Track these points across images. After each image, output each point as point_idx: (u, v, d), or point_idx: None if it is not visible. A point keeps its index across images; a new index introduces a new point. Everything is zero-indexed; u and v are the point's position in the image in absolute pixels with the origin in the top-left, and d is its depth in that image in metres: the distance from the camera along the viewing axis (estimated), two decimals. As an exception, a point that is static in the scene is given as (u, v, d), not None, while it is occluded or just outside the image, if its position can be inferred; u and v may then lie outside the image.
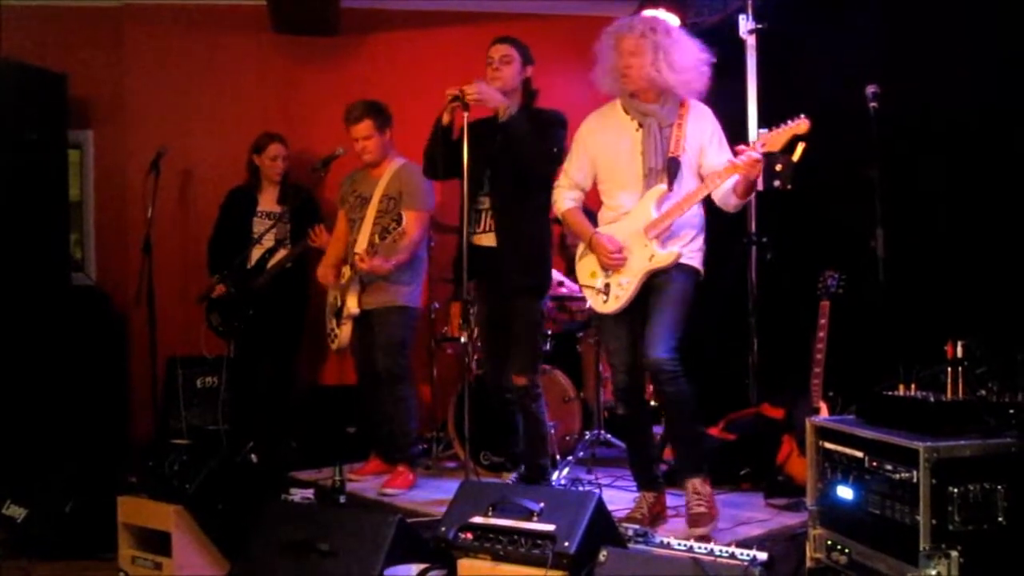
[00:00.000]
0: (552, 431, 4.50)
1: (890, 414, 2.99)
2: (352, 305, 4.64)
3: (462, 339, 4.14)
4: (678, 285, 3.67)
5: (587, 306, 3.93)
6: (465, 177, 3.91)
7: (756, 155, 3.43)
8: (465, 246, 3.95)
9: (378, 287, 4.63)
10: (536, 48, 4.27)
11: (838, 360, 4.06)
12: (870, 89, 3.68)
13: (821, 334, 4.06)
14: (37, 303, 5.10)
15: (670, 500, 3.99)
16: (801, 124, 3.39)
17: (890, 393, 3.06)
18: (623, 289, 3.70)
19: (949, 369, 3.00)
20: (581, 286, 3.90)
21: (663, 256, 3.63)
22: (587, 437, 5.00)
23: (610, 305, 3.74)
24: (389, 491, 4.46)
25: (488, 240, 4.16)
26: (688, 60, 3.65)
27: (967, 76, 3.88)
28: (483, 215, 4.17)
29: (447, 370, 5.57)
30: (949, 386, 3.00)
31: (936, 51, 4.01)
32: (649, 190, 3.67)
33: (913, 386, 3.05)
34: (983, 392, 2.96)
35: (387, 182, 4.69)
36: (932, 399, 2.93)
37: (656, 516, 3.84)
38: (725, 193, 3.63)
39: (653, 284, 3.68)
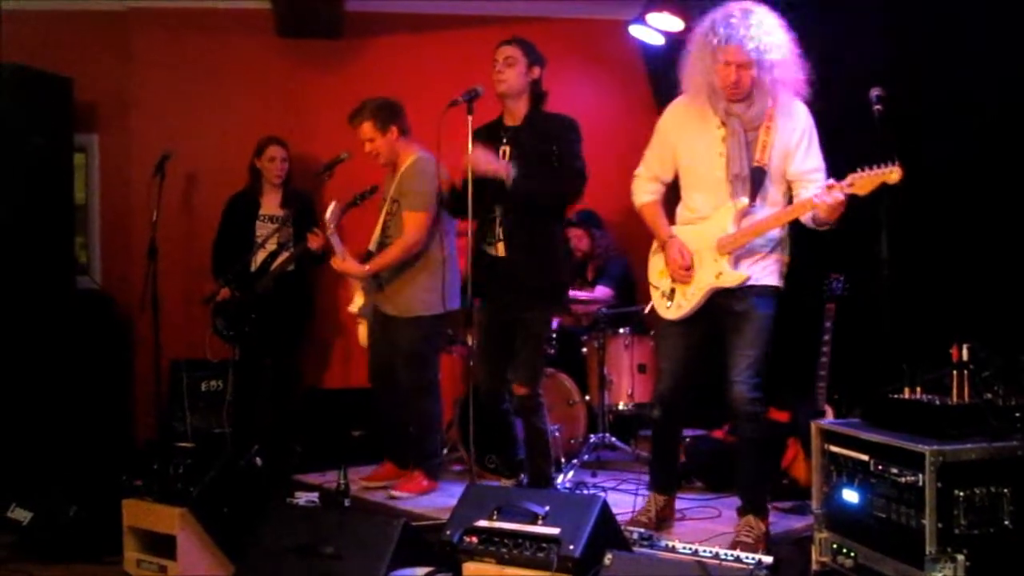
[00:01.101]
0: (556, 434, 4.48)
1: (895, 417, 2.99)
2: (353, 304, 4.62)
3: (470, 342, 4.12)
4: (763, 313, 3.52)
5: (647, 309, 3.81)
6: (470, 190, 3.85)
7: (840, 197, 3.23)
8: (469, 257, 3.97)
9: (396, 293, 4.53)
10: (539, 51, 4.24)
11: (843, 363, 4.05)
12: (874, 92, 3.66)
13: (826, 337, 4.05)
14: (42, 307, 5.09)
15: (677, 503, 3.98)
16: (893, 172, 3.13)
17: (895, 396, 3.06)
18: (687, 300, 3.59)
19: (954, 372, 3.00)
20: (649, 283, 3.79)
21: (731, 277, 3.49)
22: (592, 440, 5.00)
23: (672, 312, 3.64)
24: (398, 494, 4.43)
25: (500, 250, 4.07)
26: (789, 67, 3.45)
27: (972, 78, 3.87)
28: (494, 224, 4.08)
29: (451, 374, 5.56)
30: (954, 389, 3.00)
31: (940, 53, 4.01)
32: (730, 202, 3.49)
33: (918, 389, 3.05)
34: (988, 395, 2.95)
35: (395, 183, 4.58)
36: (938, 402, 2.93)
37: (663, 520, 3.82)
38: (807, 219, 3.46)
39: (735, 309, 3.53)
